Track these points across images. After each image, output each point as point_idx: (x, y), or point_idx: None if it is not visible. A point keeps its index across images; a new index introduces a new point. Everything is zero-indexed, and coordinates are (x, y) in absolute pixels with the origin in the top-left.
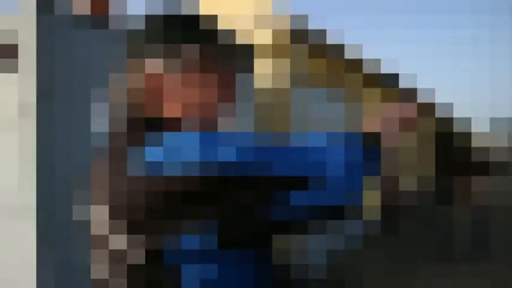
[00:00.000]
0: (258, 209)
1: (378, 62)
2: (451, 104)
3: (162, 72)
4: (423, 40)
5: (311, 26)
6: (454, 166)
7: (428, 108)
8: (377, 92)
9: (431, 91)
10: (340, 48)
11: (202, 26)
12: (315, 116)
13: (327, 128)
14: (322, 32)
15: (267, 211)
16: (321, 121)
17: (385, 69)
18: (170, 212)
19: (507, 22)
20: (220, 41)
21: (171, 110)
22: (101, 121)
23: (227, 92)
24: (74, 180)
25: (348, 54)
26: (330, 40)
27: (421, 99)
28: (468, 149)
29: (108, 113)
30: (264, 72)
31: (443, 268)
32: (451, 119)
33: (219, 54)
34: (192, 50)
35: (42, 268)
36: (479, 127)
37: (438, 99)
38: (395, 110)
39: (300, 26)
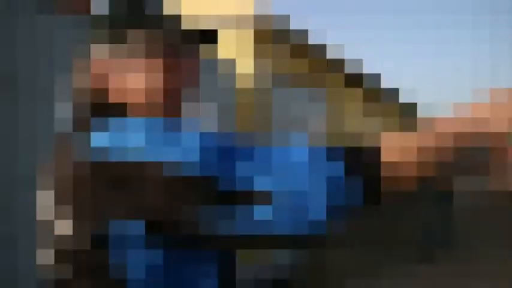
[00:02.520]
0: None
1: (359, 61)
2: (415, 90)
3: (107, 57)
4: (423, 40)
5: (293, 26)
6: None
7: (391, 95)
8: (359, 92)
9: (413, 91)
10: (322, 48)
11: (163, 15)
12: (296, 115)
13: (309, 127)
14: (304, 32)
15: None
16: (302, 121)
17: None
18: (114, 198)
19: (507, 22)
20: (166, 26)
21: (116, 95)
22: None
23: (174, 77)
24: (37, 168)
25: (330, 55)
26: (312, 40)
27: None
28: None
29: (71, 99)
30: (246, 72)
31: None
32: (414, 104)
33: (164, 39)
34: (137, 35)
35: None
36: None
37: (438, 99)
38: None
39: (281, 26)
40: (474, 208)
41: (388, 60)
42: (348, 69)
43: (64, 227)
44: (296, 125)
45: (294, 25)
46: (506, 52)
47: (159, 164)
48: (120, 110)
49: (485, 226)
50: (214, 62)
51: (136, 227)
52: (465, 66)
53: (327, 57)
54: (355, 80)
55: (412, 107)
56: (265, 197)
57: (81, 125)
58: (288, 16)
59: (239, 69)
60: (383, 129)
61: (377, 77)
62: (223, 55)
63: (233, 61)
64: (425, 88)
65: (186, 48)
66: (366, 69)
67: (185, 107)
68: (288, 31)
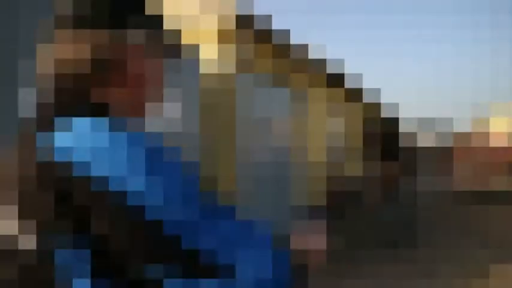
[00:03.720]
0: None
1: (305, 46)
2: (397, 89)
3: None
4: (423, 40)
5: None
6: (400, 152)
7: (373, 94)
8: (322, 77)
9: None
10: (285, 33)
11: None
12: (259, 100)
13: (272, 112)
14: (268, 18)
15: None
16: (265, 106)
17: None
18: (60, 210)
19: (507, 22)
20: (131, 25)
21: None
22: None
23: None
24: None
25: (295, 55)
26: (257, 26)
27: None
28: (413, 135)
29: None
30: (210, 57)
31: (389, 253)
32: (396, 104)
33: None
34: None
35: None
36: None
37: (437, 99)
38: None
39: (245, 12)
40: (437, 208)
41: (406, 59)
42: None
43: (10, 240)
44: (260, 119)
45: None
46: (507, 52)
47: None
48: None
49: (448, 226)
50: (179, 47)
51: (82, 246)
52: (465, 66)
53: (291, 57)
54: (319, 66)
55: (374, 94)
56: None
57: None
58: (252, 1)
59: (203, 55)
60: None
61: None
62: (187, 41)
63: (197, 46)
64: (444, 88)
65: (149, 34)
66: (330, 70)
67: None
68: (252, 16)
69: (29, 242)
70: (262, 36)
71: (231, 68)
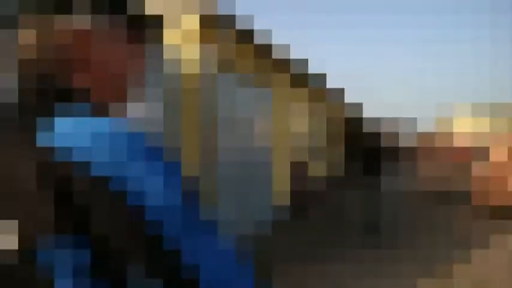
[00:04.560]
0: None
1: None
2: (361, 89)
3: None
4: (423, 40)
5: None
6: (364, 152)
7: (337, 94)
8: (286, 77)
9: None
10: (267, 33)
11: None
12: (241, 101)
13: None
14: (250, 18)
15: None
16: (247, 106)
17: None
18: (42, 209)
19: (507, 22)
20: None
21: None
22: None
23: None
24: None
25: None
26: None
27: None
28: (378, 135)
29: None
30: (192, 57)
31: (353, 253)
32: (360, 104)
33: (110, 23)
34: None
35: None
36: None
37: (436, 99)
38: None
39: (227, 12)
40: (401, 208)
41: (404, 59)
42: (294, 69)
43: None
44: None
45: (242, 25)
46: (507, 52)
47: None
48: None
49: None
50: (159, 47)
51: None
52: (465, 66)
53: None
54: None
55: (339, 93)
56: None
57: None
58: (234, 1)
59: (184, 55)
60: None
61: (323, 77)
62: (168, 41)
63: (178, 46)
64: (445, 88)
65: (132, 33)
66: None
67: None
68: (233, 16)
69: (9, 242)
70: (243, 37)
71: (212, 68)
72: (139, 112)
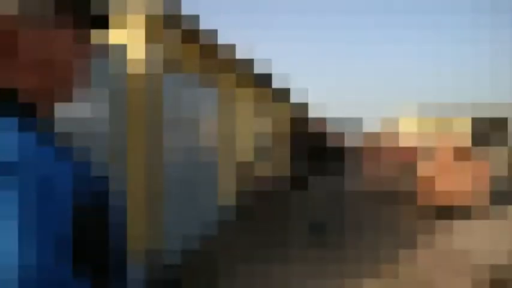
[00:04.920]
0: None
1: (232, 47)
2: (306, 89)
3: None
4: (423, 40)
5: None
6: (309, 151)
7: (283, 94)
8: (232, 78)
9: (286, 75)
10: (213, 33)
11: None
12: (187, 100)
13: (201, 112)
14: (196, 18)
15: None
16: (193, 106)
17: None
18: None
19: (507, 22)
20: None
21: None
22: None
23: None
24: None
25: (222, 55)
26: (185, 26)
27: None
28: (323, 135)
29: None
30: (137, 57)
31: (299, 253)
32: (306, 104)
33: (56, 24)
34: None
35: None
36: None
37: (437, 99)
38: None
39: (173, 12)
40: (347, 208)
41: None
42: (240, 69)
43: None
44: (188, 117)
45: (202, 25)
46: (507, 52)
47: None
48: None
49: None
50: (105, 47)
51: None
52: (465, 66)
53: (219, 57)
54: (246, 66)
55: (302, 107)
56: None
57: None
58: (179, 1)
59: (130, 55)
60: (273, 128)
61: (268, 77)
62: (114, 40)
63: (124, 46)
64: (444, 88)
65: (78, 33)
66: (258, 70)
67: (76, 92)
68: (179, 16)
69: None
70: (189, 37)
71: (158, 68)
72: (85, 112)
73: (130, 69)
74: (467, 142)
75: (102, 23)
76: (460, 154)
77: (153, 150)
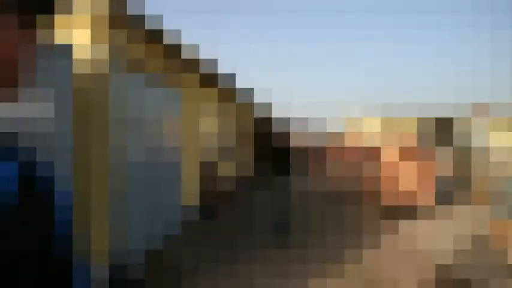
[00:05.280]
0: None
1: (196, 47)
2: (270, 90)
3: None
4: (423, 40)
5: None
6: (273, 152)
7: (247, 94)
8: (196, 77)
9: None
10: (159, 33)
11: None
12: (133, 100)
13: (146, 112)
14: (141, 17)
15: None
16: (139, 106)
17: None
18: None
19: (507, 22)
20: None
21: None
22: None
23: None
24: None
25: (167, 40)
26: (148, 26)
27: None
28: (287, 135)
29: None
30: (83, 57)
31: (261, 253)
32: (269, 104)
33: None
34: None
35: None
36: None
37: (438, 99)
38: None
39: (119, 11)
40: (310, 208)
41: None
42: (203, 69)
43: None
44: (151, 117)
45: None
46: (507, 52)
47: None
48: None
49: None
50: (51, 46)
51: None
52: (465, 65)
53: (183, 57)
54: (193, 66)
55: (266, 106)
56: None
57: None
58: (125, 1)
59: (76, 55)
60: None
61: (232, 77)
62: (59, 40)
63: (70, 46)
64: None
65: (23, 33)
66: (221, 69)
67: (21, 92)
68: (125, 16)
69: None
70: (136, 36)
71: (121, 68)
72: (49, 112)
73: (76, 69)
74: (413, 142)
75: (48, 6)
76: (406, 154)
77: (100, 150)
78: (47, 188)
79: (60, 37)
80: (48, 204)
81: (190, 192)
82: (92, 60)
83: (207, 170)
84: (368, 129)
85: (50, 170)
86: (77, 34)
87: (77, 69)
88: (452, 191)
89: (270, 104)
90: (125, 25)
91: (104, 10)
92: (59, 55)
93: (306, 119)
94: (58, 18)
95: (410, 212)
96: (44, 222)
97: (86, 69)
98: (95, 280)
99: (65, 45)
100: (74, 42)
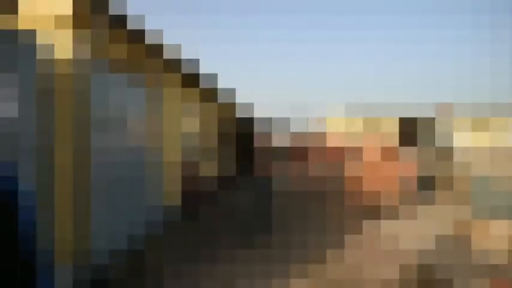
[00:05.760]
0: None
1: (178, 47)
2: (233, 89)
3: None
4: (423, 40)
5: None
6: (254, 152)
7: (228, 94)
8: (177, 77)
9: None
10: (141, 33)
11: None
12: (114, 100)
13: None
14: (123, 18)
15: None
16: (121, 106)
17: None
18: None
19: (507, 22)
20: None
21: None
22: None
23: None
24: None
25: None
26: (130, 26)
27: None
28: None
29: None
30: (65, 57)
31: (243, 253)
32: (251, 104)
33: None
34: None
35: None
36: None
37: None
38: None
39: (101, 11)
40: (291, 207)
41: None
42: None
43: None
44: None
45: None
46: (507, 52)
47: None
48: None
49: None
50: (32, 46)
51: None
52: (465, 65)
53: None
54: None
55: (247, 107)
56: None
57: None
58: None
59: (58, 55)
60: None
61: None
62: (42, 40)
63: (52, 46)
64: (444, 88)
65: None
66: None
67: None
68: (107, 15)
69: None
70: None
71: (86, 68)
72: (12, 112)
73: (58, 69)
74: (395, 142)
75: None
76: (388, 154)
77: (81, 150)
78: (9, 189)
79: (42, 37)
80: (10, 205)
81: (171, 192)
82: (73, 60)
83: (189, 170)
84: (350, 129)
85: (13, 169)
86: (59, 34)
87: (58, 69)
88: (433, 190)
89: (252, 104)
90: (107, 25)
91: (86, 10)
92: (22, 53)
93: (288, 119)
94: (40, 18)
95: (391, 211)
96: (7, 222)
97: (68, 70)
98: (60, 281)
99: (47, 45)
100: (55, 42)
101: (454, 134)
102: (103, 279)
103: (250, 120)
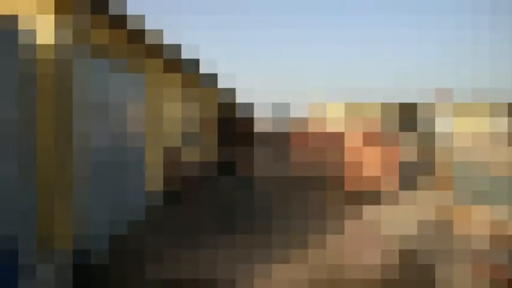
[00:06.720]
0: None
1: (160, 32)
2: (233, 75)
3: None
4: (422, 39)
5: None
6: (237, 137)
7: (210, 80)
8: (159, 63)
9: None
10: (122, 18)
11: None
12: (97, 86)
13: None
14: (105, 3)
15: None
16: (103, 91)
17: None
18: None
19: (507, 22)
20: None
21: None
22: None
23: None
24: None
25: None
26: (112, 11)
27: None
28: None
29: None
30: (47, 42)
31: (225, 238)
32: (233, 89)
33: None
34: None
35: None
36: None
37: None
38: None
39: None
40: (275, 193)
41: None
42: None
43: None
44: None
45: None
46: (507, 52)
47: None
48: None
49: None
50: (13, 32)
51: None
52: (465, 66)
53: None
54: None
55: (230, 92)
56: None
57: None
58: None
59: (40, 40)
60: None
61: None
62: (23, 26)
63: (33, 32)
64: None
65: None
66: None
67: None
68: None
69: None
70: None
71: (85, 54)
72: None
73: (39, 55)
74: (377, 127)
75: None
76: (370, 139)
77: (79, 135)
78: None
79: (23, 23)
80: None
81: (154, 178)
82: (55, 45)
83: (171, 156)
84: (332, 115)
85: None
86: (41, 19)
87: (40, 55)
88: (416, 176)
89: (234, 89)
90: (89, 10)
91: None
92: (3, 39)
93: (269, 104)
94: (21, 3)
95: (374, 197)
96: None
97: (50, 55)
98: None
99: (28, 30)
100: (37, 28)
101: (436, 119)
102: (85, 264)
103: (232, 106)
